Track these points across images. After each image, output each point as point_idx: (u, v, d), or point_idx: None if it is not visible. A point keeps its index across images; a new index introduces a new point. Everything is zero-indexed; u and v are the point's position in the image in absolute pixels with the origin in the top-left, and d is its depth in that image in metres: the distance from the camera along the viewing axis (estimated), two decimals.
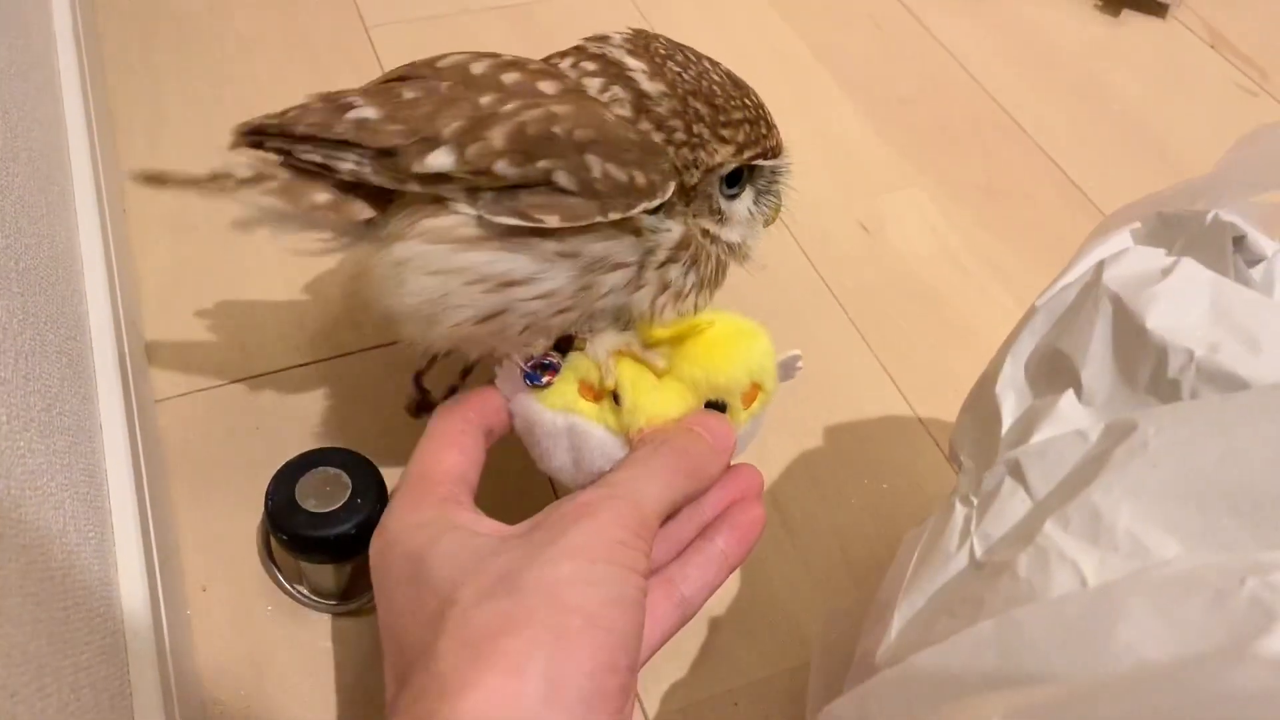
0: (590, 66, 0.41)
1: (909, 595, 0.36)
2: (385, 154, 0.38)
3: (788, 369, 0.44)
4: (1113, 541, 0.30)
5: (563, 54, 0.42)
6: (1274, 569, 0.25)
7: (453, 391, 0.51)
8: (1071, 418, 0.36)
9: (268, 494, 0.46)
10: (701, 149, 0.40)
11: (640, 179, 0.38)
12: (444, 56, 0.42)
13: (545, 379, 0.41)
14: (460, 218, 0.38)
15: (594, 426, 0.41)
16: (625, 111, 0.39)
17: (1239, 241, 0.38)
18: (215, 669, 0.47)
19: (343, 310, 0.62)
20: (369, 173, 0.39)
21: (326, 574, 0.48)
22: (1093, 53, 0.91)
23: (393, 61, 0.78)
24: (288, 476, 0.47)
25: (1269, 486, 0.29)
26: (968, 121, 0.83)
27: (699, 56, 0.42)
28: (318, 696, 0.47)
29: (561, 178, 0.37)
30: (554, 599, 0.32)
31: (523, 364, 0.41)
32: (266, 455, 0.50)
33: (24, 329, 0.42)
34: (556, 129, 0.37)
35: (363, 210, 0.40)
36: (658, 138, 0.39)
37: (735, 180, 0.42)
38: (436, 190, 0.38)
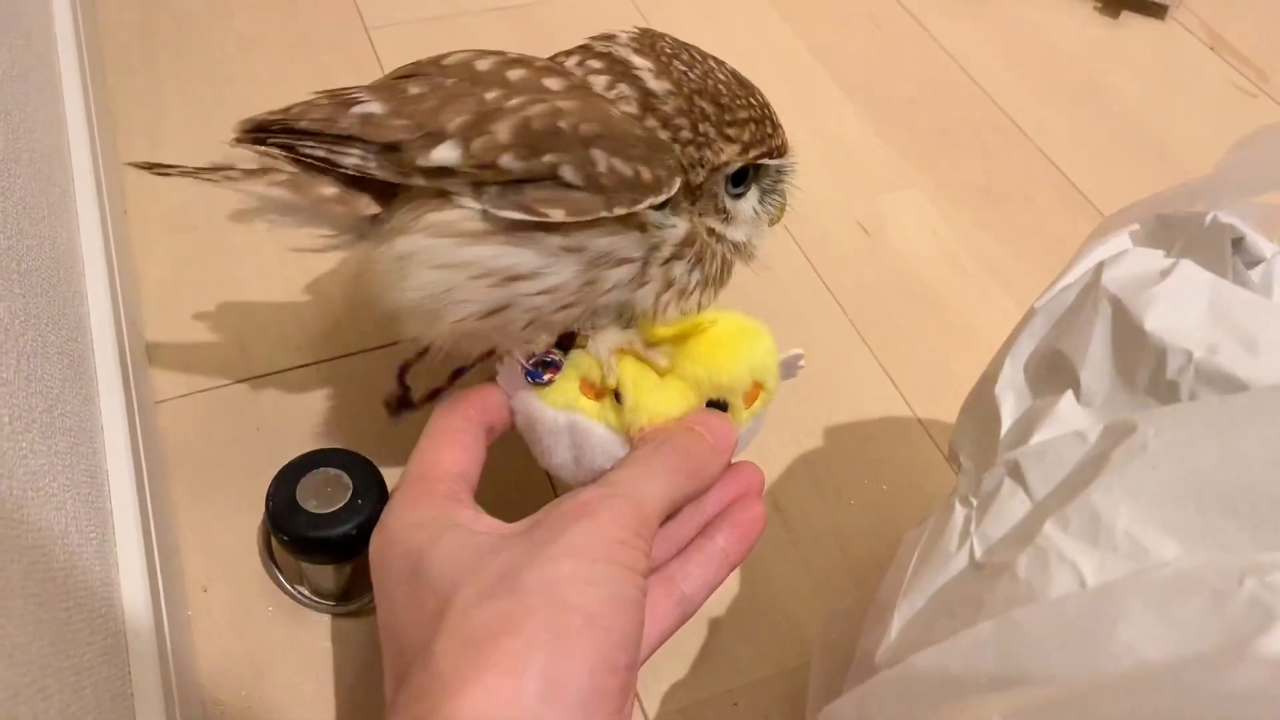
0: (596, 65, 0.41)
1: (909, 595, 0.36)
2: (390, 148, 0.39)
3: (790, 367, 0.44)
4: (1112, 542, 0.30)
5: (568, 52, 0.42)
6: (1272, 569, 0.25)
7: (434, 395, 0.51)
8: (1071, 419, 0.36)
9: (268, 494, 0.46)
10: (707, 148, 0.40)
11: (646, 174, 0.38)
12: (449, 54, 0.42)
13: (547, 376, 0.41)
14: (465, 212, 0.38)
15: (595, 424, 0.41)
16: (632, 109, 0.39)
17: (1238, 243, 0.38)
18: (216, 669, 0.48)
19: (344, 311, 0.62)
20: (373, 167, 0.39)
21: (327, 574, 0.48)
22: (1092, 54, 0.91)
23: (393, 63, 0.78)
24: (289, 477, 0.47)
25: (1267, 487, 0.29)
26: (967, 123, 0.83)
27: (705, 55, 0.42)
28: (318, 697, 0.47)
29: (567, 172, 0.37)
30: (553, 598, 0.32)
31: (524, 361, 0.41)
32: (267, 456, 0.50)
33: (26, 330, 0.42)
34: (562, 123, 0.37)
35: (369, 205, 0.40)
36: (664, 135, 0.39)
37: (741, 179, 0.42)
38: (441, 185, 0.38)
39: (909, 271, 0.70)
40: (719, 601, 0.52)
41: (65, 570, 0.38)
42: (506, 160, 0.37)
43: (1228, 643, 0.24)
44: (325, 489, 0.46)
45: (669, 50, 0.41)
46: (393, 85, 0.41)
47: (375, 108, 0.39)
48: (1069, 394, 0.37)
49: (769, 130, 0.42)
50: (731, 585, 0.53)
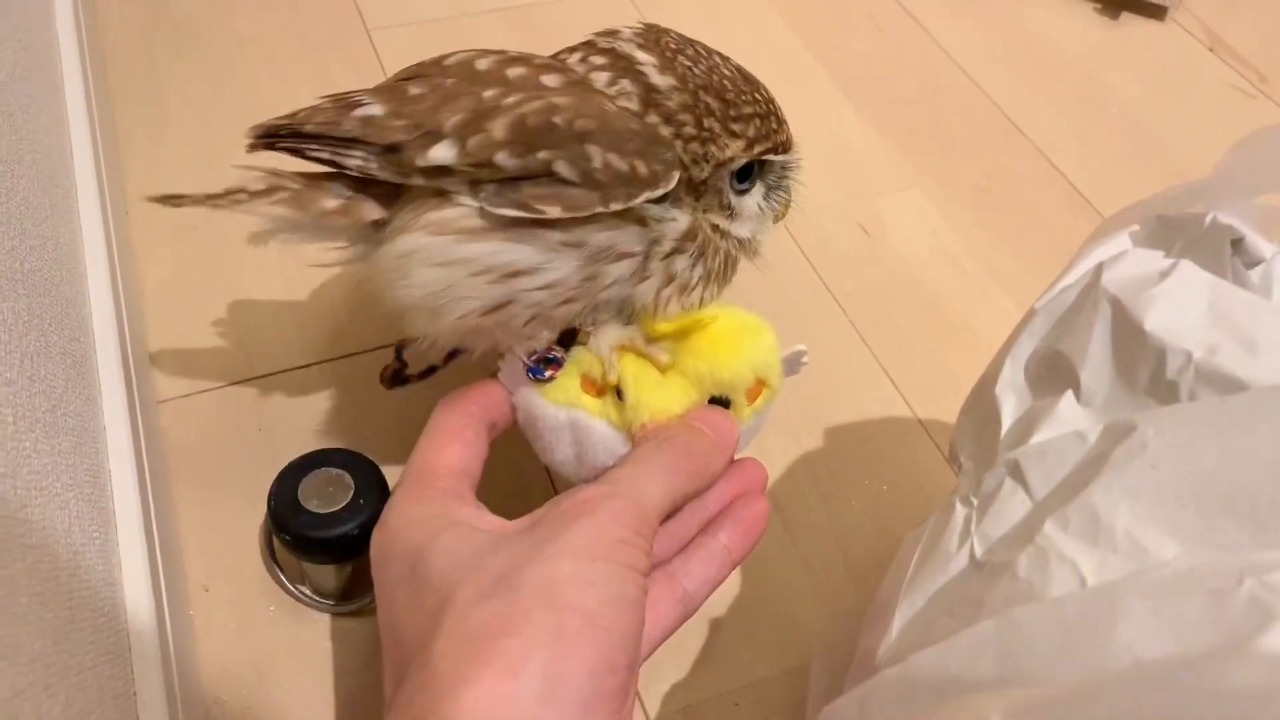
0: (599, 61, 0.41)
1: (909, 595, 0.36)
2: (390, 149, 0.39)
3: (793, 364, 0.44)
4: (1112, 542, 0.30)
5: (572, 49, 0.42)
6: (1272, 569, 0.25)
7: (430, 371, 0.51)
8: (1071, 419, 0.36)
9: (270, 494, 0.46)
10: (712, 143, 0.40)
11: (642, 169, 0.38)
12: (451, 54, 0.43)
13: (548, 373, 0.41)
14: (463, 209, 0.38)
15: (596, 422, 0.41)
16: (633, 105, 0.39)
17: (1237, 244, 0.38)
18: (218, 669, 0.48)
19: (345, 311, 0.63)
20: (375, 168, 0.39)
21: (329, 574, 0.48)
22: (1092, 55, 0.91)
23: (394, 64, 0.78)
24: (290, 477, 0.47)
25: (1267, 487, 0.29)
26: (968, 124, 0.83)
27: (709, 51, 0.42)
28: (320, 696, 0.47)
29: (562, 168, 0.37)
30: (553, 598, 0.32)
31: (526, 358, 0.41)
32: (269, 456, 0.51)
33: (29, 330, 0.42)
34: (557, 119, 0.38)
35: (372, 211, 0.40)
36: (665, 131, 0.39)
37: (746, 175, 0.42)
38: (440, 184, 0.39)
39: (909, 272, 0.70)
40: (720, 601, 0.52)
41: (68, 569, 0.38)
42: (502, 158, 0.37)
43: (1227, 642, 0.24)
44: (327, 489, 0.46)
45: (674, 46, 0.41)
46: (394, 87, 0.42)
47: (376, 109, 0.40)
48: (1069, 394, 0.37)
49: (774, 126, 0.42)
50: (732, 585, 0.53)
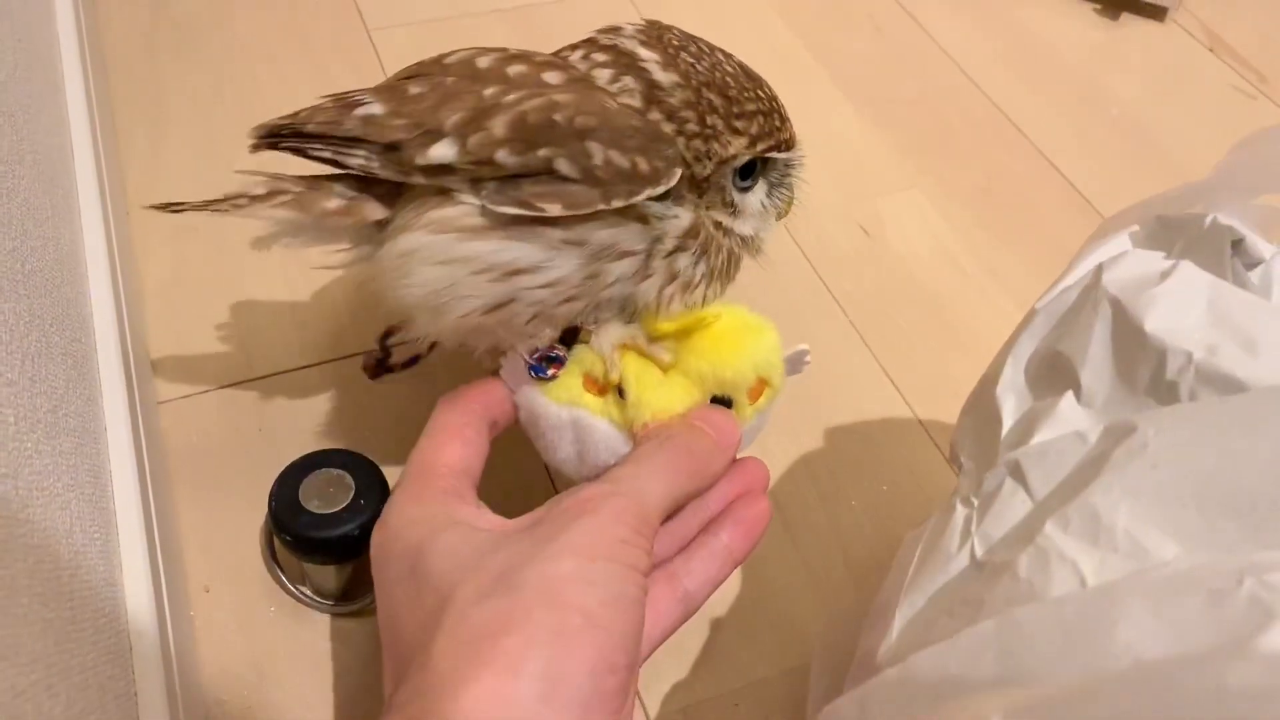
0: (601, 58, 0.41)
1: (910, 595, 0.36)
2: (391, 148, 0.39)
3: (795, 363, 0.44)
4: (1112, 542, 0.30)
5: (574, 46, 0.42)
6: (1271, 569, 0.25)
7: (413, 361, 0.51)
8: (1071, 419, 0.36)
9: (271, 495, 0.46)
10: (715, 140, 0.40)
11: (643, 165, 0.38)
12: (453, 53, 0.42)
13: (550, 372, 0.41)
14: (465, 208, 0.38)
15: (598, 420, 0.41)
16: (635, 102, 0.39)
17: (1237, 244, 0.38)
18: (218, 669, 0.48)
19: (346, 312, 0.63)
20: (376, 168, 0.39)
21: (329, 575, 0.48)
22: (1092, 56, 0.91)
23: (394, 64, 0.78)
24: (291, 478, 0.47)
25: (1267, 488, 0.29)
26: (967, 124, 0.83)
27: (712, 48, 0.42)
28: (320, 697, 0.47)
29: (563, 165, 0.37)
30: (553, 597, 0.32)
31: (528, 356, 0.41)
32: (269, 457, 0.51)
33: (30, 331, 0.42)
34: (557, 116, 0.37)
35: (374, 210, 0.40)
36: (668, 128, 0.39)
37: (748, 173, 0.42)
38: (441, 182, 0.38)
39: (909, 273, 0.70)
40: (720, 602, 0.52)
41: (70, 570, 0.38)
42: (502, 155, 0.37)
43: (1227, 641, 0.24)
44: (328, 489, 0.46)
45: (676, 42, 0.41)
46: (394, 86, 0.42)
47: (376, 108, 0.40)
48: (1069, 394, 0.37)
49: (777, 123, 0.42)
50: (732, 586, 0.53)
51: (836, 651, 0.43)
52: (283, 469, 0.47)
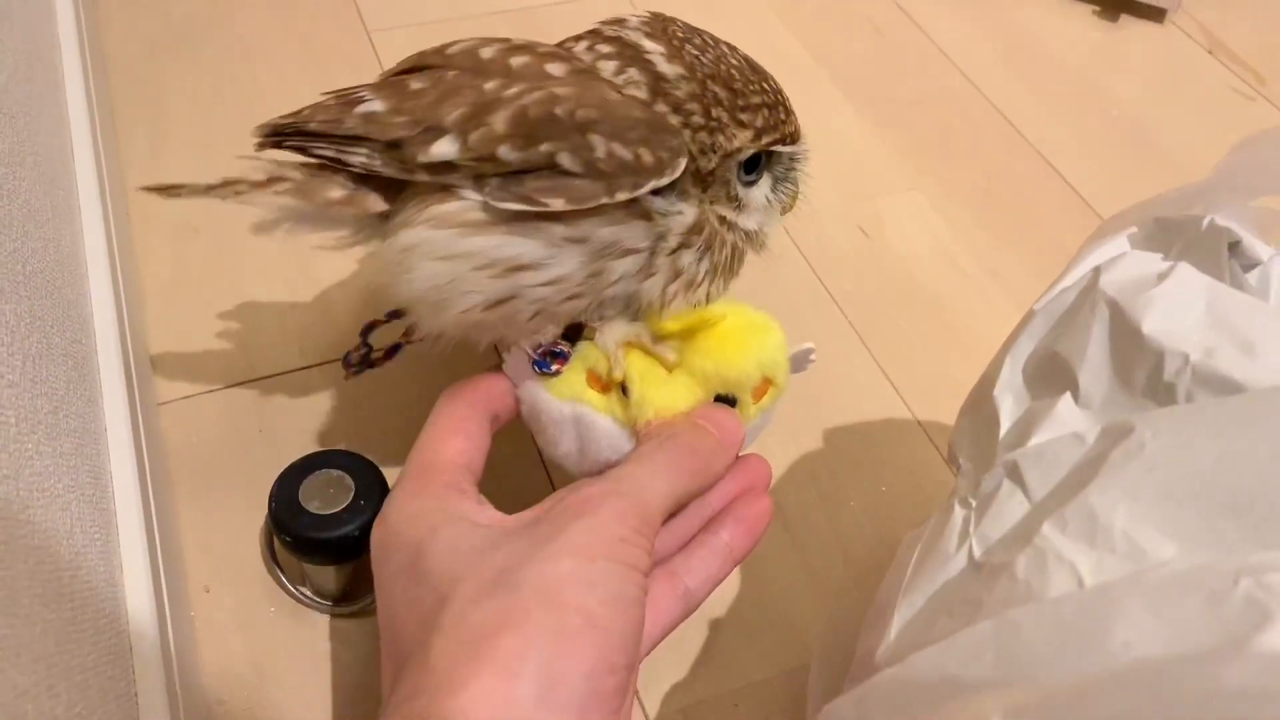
0: (606, 49, 0.40)
1: (908, 596, 0.36)
2: (393, 146, 0.39)
3: (801, 361, 0.43)
4: (1109, 543, 0.30)
5: (578, 38, 0.42)
6: (1268, 569, 0.25)
7: (394, 351, 0.50)
8: (1069, 420, 0.36)
9: (271, 496, 0.46)
10: (720, 133, 0.39)
11: (647, 157, 0.37)
12: (455, 43, 0.42)
13: (554, 367, 0.41)
14: (467, 203, 0.38)
15: (601, 417, 0.40)
16: (641, 94, 0.39)
17: (1235, 246, 0.39)
18: (218, 670, 0.48)
19: (346, 313, 0.63)
20: (379, 165, 0.39)
21: (329, 575, 0.48)
22: (1091, 58, 0.91)
23: None
24: (291, 478, 0.47)
25: (1264, 488, 0.29)
26: (967, 126, 0.83)
27: (716, 40, 0.41)
28: (320, 697, 0.47)
29: (565, 159, 0.37)
30: (552, 597, 0.32)
31: (531, 351, 0.41)
32: (269, 457, 0.51)
33: (31, 332, 0.42)
34: (558, 110, 0.37)
35: (376, 203, 0.40)
36: (674, 120, 0.39)
37: (753, 166, 0.42)
38: (444, 179, 0.38)
39: (908, 274, 0.70)
40: (719, 602, 0.52)
41: (70, 571, 0.38)
42: (504, 151, 0.37)
43: (1224, 641, 0.24)
44: (328, 490, 0.46)
45: (681, 34, 0.41)
46: (395, 82, 0.41)
47: (377, 106, 0.40)
48: (1067, 396, 0.37)
49: (782, 116, 0.41)
50: (732, 586, 0.53)
51: (836, 651, 0.43)
52: (283, 470, 0.47)
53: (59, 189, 0.55)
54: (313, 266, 0.64)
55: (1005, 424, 0.39)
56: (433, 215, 0.38)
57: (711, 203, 0.41)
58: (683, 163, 0.38)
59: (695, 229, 0.40)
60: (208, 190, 0.41)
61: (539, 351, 0.41)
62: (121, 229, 0.63)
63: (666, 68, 0.39)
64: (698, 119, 0.39)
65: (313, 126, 0.40)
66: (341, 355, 0.60)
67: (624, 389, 0.40)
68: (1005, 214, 0.75)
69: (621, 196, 0.37)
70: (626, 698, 0.33)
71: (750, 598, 0.53)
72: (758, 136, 0.40)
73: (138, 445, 0.49)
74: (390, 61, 0.81)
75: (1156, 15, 0.95)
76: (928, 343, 0.66)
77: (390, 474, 0.47)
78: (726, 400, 0.42)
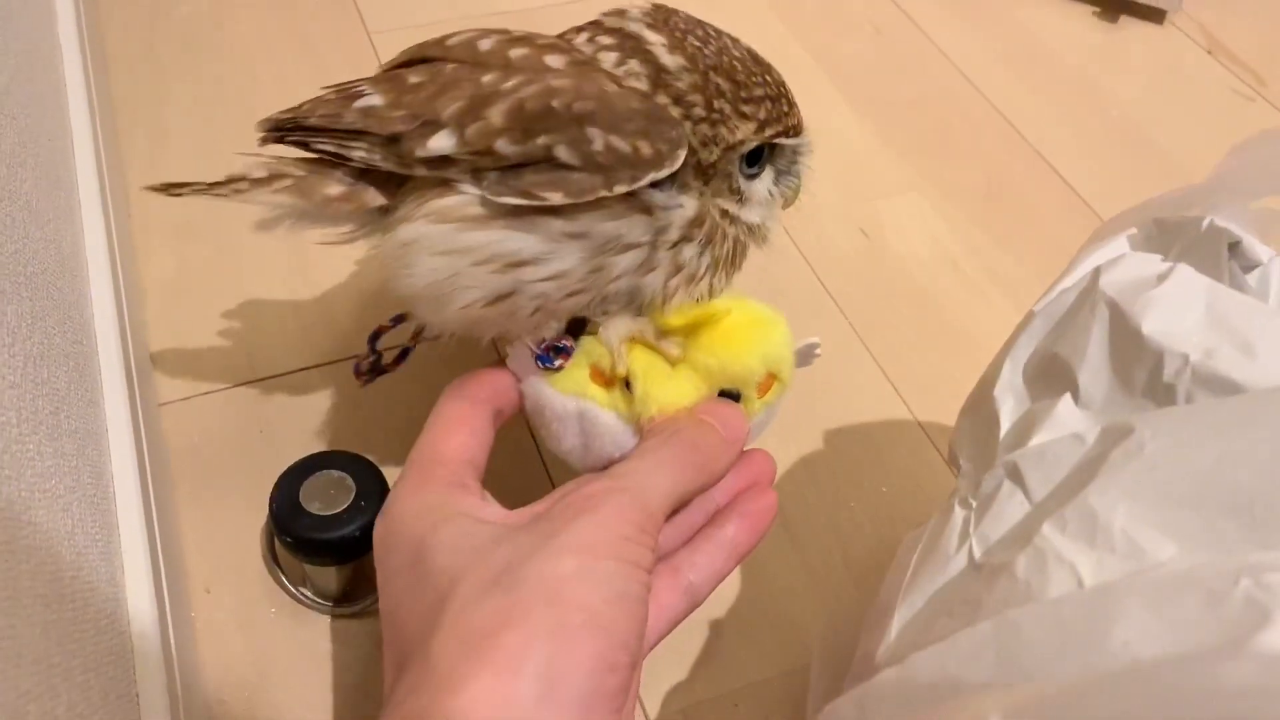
0: (606, 40, 0.40)
1: (909, 596, 0.36)
2: (392, 140, 0.39)
3: (806, 356, 0.43)
4: (1109, 543, 0.30)
5: (579, 29, 0.42)
6: (1268, 569, 0.25)
7: (403, 356, 0.50)
8: (1069, 421, 0.36)
9: (272, 497, 0.46)
10: (722, 125, 0.39)
11: (646, 149, 0.37)
12: (454, 35, 0.42)
13: (558, 362, 0.41)
14: (465, 197, 0.38)
15: (604, 413, 0.40)
16: (642, 85, 0.39)
17: (1234, 247, 0.39)
18: (219, 670, 0.48)
19: (347, 314, 0.63)
20: (378, 160, 0.39)
21: (330, 576, 0.48)
22: (1091, 59, 0.91)
23: None
24: (292, 479, 0.47)
25: (1264, 489, 0.29)
26: (967, 127, 0.83)
27: (719, 32, 0.41)
28: (320, 698, 0.47)
29: (562, 152, 0.37)
30: (554, 595, 0.31)
31: (535, 346, 0.41)
32: (270, 458, 0.51)
33: (33, 333, 0.42)
34: (555, 103, 0.37)
35: (374, 198, 0.40)
36: (675, 112, 0.38)
37: (755, 159, 0.41)
38: (442, 174, 0.38)
39: (908, 275, 0.71)
40: (719, 603, 0.52)
41: (72, 571, 0.38)
42: (502, 145, 0.37)
43: (1224, 640, 0.24)
44: (329, 491, 0.47)
45: (683, 26, 0.40)
46: (394, 76, 0.41)
47: (376, 100, 0.40)
48: (1067, 396, 0.37)
49: (785, 109, 0.41)
50: (732, 586, 0.53)
51: (836, 652, 0.43)
52: (283, 471, 0.47)
53: (60, 190, 0.55)
54: (313, 267, 0.65)
55: (1005, 425, 0.39)
56: (432, 210, 0.38)
57: (713, 196, 0.41)
58: (682, 154, 0.38)
59: (696, 222, 0.40)
60: (211, 188, 0.41)
61: (542, 347, 0.41)
62: (122, 230, 0.63)
63: (668, 59, 0.39)
64: (699, 111, 0.39)
65: (313, 121, 0.40)
66: (343, 356, 0.60)
67: (627, 384, 0.40)
68: (1005, 215, 0.76)
69: (620, 189, 0.37)
70: (629, 696, 0.33)
71: (750, 598, 0.53)
72: (760, 129, 0.40)
73: (138, 446, 0.49)
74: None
75: (1156, 16, 0.95)
76: (928, 343, 0.66)
77: (391, 475, 0.47)
78: (731, 395, 0.41)
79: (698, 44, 0.39)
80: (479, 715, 0.29)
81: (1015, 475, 0.36)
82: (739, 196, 0.42)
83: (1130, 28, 0.95)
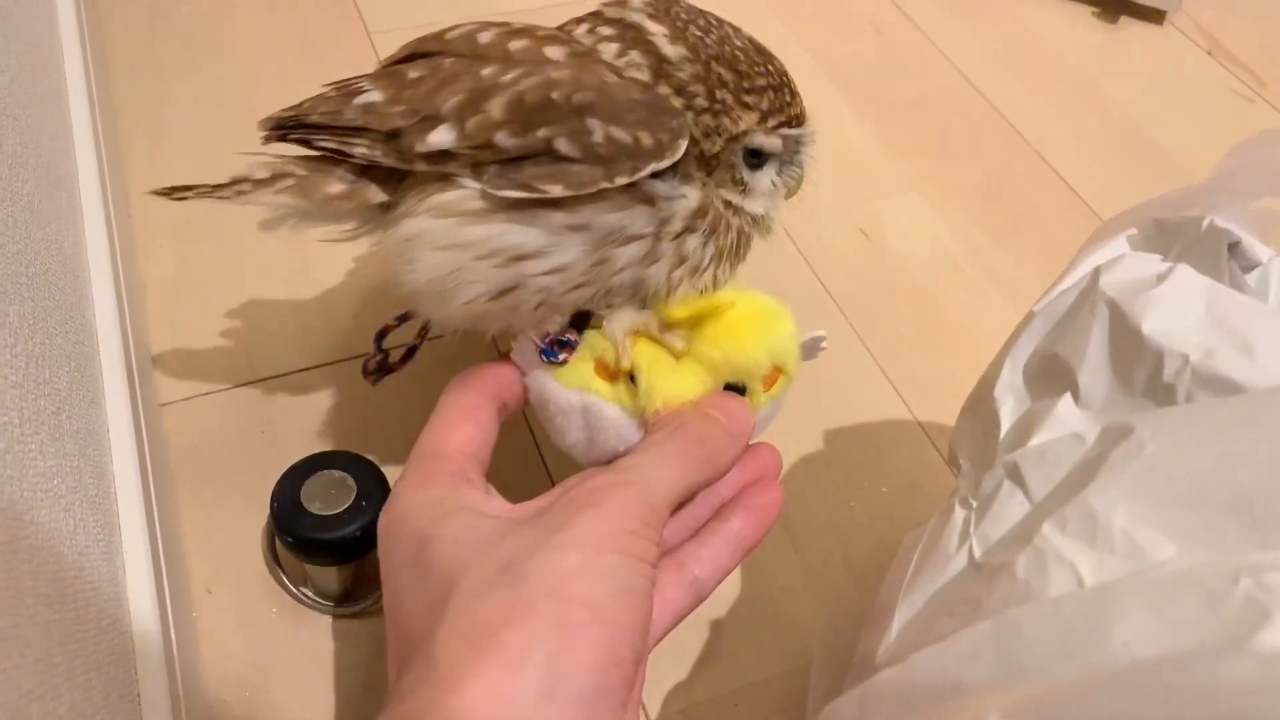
0: (607, 31, 0.40)
1: (909, 596, 0.37)
2: (392, 136, 0.38)
3: (811, 349, 0.43)
4: (1109, 543, 0.30)
5: (579, 20, 0.41)
6: (1267, 569, 0.25)
7: (410, 353, 0.50)
8: (1069, 421, 0.36)
9: (273, 497, 0.47)
10: (725, 115, 0.39)
11: (646, 140, 0.37)
12: (454, 28, 0.42)
13: (562, 356, 0.41)
14: (466, 191, 0.38)
15: (609, 407, 0.40)
16: (643, 76, 0.38)
17: (1234, 248, 0.39)
18: (220, 670, 0.48)
19: (347, 314, 0.63)
20: (379, 156, 0.39)
21: (331, 576, 0.49)
22: (1091, 59, 0.91)
23: None
24: (293, 479, 0.47)
25: (1263, 488, 0.29)
26: (967, 127, 0.83)
27: (720, 22, 0.41)
28: (321, 698, 0.47)
29: (562, 144, 0.36)
30: (557, 590, 0.31)
31: (539, 340, 0.41)
32: (271, 459, 0.51)
33: (35, 333, 0.42)
34: (554, 95, 0.37)
35: (376, 194, 0.40)
36: (677, 103, 0.38)
37: (758, 150, 0.41)
38: (443, 168, 0.38)
39: (908, 275, 0.71)
40: (719, 603, 0.52)
41: (74, 571, 0.38)
42: (501, 138, 0.37)
43: (1224, 640, 0.24)
44: (329, 491, 0.47)
45: (685, 16, 0.40)
46: (393, 71, 0.41)
47: (376, 96, 0.40)
48: (1067, 396, 0.37)
49: (788, 98, 0.41)
50: (732, 586, 0.53)
51: (836, 652, 0.43)
52: (285, 471, 0.47)
53: (62, 190, 0.55)
54: (314, 268, 0.65)
55: (1005, 425, 0.39)
56: (433, 205, 0.38)
57: (717, 187, 0.40)
58: (683, 144, 0.37)
59: (700, 213, 0.40)
60: (214, 191, 0.42)
61: (546, 340, 0.41)
62: (123, 230, 0.63)
63: (670, 50, 0.38)
64: (701, 101, 0.38)
65: (314, 119, 0.40)
66: (344, 356, 0.60)
67: (632, 378, 0.40)
68: (1005, 215, 0.76)
69: (621, 181, 0.36)
70: (633, 692, 0.33)
71: (750, 598, 0.53)
72: (763, 119, 0.40)
73: (140, 446, 0.49)
74: None
75: (1156, 17, 0.95)
76: (928, 343, 0.66)
77: (392, 475, 0.47)
78: (736, 389, 0.41)
79: (699, 34, 0.39)
80: (481, 712, 0.29)
81: (1015, 475, 0.36)
82: (742, 187, 0.41)
83: (1130, 28, 0.95)
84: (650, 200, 0.38)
